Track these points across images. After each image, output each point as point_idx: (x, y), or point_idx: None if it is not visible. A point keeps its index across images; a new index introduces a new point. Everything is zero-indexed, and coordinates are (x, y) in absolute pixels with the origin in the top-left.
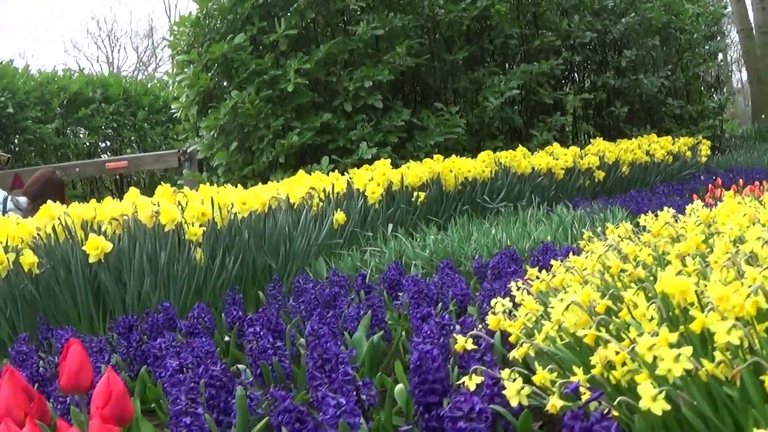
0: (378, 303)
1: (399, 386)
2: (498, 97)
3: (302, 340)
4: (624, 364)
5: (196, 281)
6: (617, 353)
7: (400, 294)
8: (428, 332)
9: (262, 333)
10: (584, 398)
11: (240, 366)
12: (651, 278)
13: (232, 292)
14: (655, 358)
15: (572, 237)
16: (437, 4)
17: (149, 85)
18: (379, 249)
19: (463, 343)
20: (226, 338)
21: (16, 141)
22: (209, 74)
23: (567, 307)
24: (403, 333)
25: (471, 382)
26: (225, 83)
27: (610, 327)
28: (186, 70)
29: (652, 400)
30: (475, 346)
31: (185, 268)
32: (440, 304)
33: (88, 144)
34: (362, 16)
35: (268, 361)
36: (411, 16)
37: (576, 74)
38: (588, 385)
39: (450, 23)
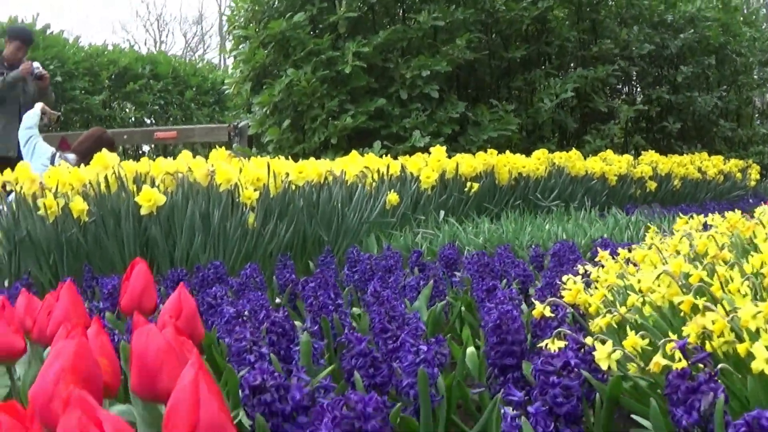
0: (439, 274)
1: (470, 349)
2: (553, 99)
3: (356, 310)
4: (721, 335)
5: (247, 245)
6: (713, 323)
7: (457, 273)
8: (502, 297)
9: (321, 291)
10: (679, 366)
11: (296, 323)
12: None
13: (284, 257)
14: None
15: (629, 238)
16: (498, 0)
17: (198, 66)
18: (431, 232)
19: (541, 309)
20: (277, 300)
21: (62, 109)
22: (265, 51)
23: (658, 277)
24: (463, 308)
25: (554, 345)
26: (281, 61)
27: (701, 301)
28: (242, 46)
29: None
30: (552, 314)
31: (237, 230)
32: (504, 281)
33: (133, 119)
34: (423, 6)
35: (328, 318)
36: (472, 10)
37: (631, 86)
38: (696, 343)
39: (510, 21)
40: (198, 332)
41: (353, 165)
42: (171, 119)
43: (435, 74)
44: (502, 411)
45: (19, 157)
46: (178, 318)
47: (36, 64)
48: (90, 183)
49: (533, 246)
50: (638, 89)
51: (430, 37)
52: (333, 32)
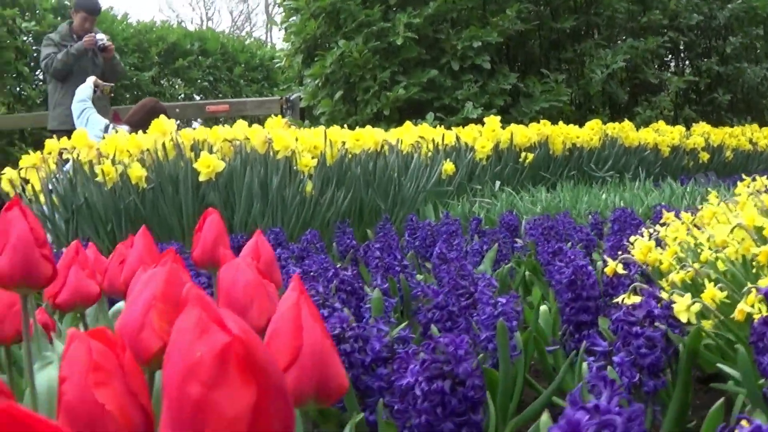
0: (503, 238)
1: (543, 307)
2: (603, 70)
3: (417, 276)
4: None
5: (305, 212)
6: None
7: (518, 239)
8: (572, 255)
9: (385, 253)
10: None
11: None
12: None
13: (343, 224)
14: None
15: (686, 207)
16: None
17: (246, 43)
18: (488, 201)
19: (614, 266)
20: (338, 266)
21: (114, 88)
22: (316, 23)
23: (732, 230)
24: (526, 273)
25: (630, 299)
26: (332, 32)
27: None
28: (293, 18)
29: None
30: (625, 271)
31: (296, 197)
32: (569, 244)
33: (183, 95)
34: None
35: (395, 278)
36: None
37: (679, 57)
38: None
39: None
40: (276, 279)
41: (408, 135)
42: (220, 95)
43: (486, 45)
44: (587, 361)
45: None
46: (257, 262)
47: (100, 36)
48: (148, 150)
49: (592, 214)
50: (687, 61)
51: (480, 8)
52: (383, 3)
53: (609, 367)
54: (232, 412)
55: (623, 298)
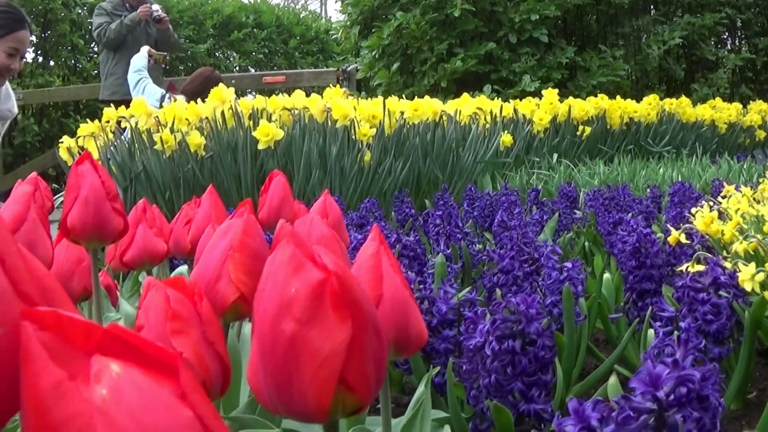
0: (563, 208)
1: (606, 276)
2: (660, 46)
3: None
4: None
5: (363, 182)
6: None
7: (577, 211)
8: (634, 224)
9: (445, 219)
10: None
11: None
12: None
13: (401, 194)
14: None
15: (743, 183)
16: None
17: (302, 15)
18: (546, 173)
19: (677, 235)
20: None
21: (168, 57)
22: None
23: None
24: (586, 243)
25: (694, 268)
26: (389, 4)
27: None
28: None
29: None
30: (688, 241)
31: (354, 166)
32: (629, 214)
33: (238, 68)
34: None
35: (457, 245)
36: None
37: (736, 35)
38: None
39: None
40: (345, 238)
41: (466, 106)
42: (275, 68)
43: (543, 19)
44: (653, 327)
45: None
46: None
47: (156, 7)
48: (206, 118)
49: (650, 187)
50: (744, 39)
51: None
52: None
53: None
54: (327, 349)
55: (687, 267)
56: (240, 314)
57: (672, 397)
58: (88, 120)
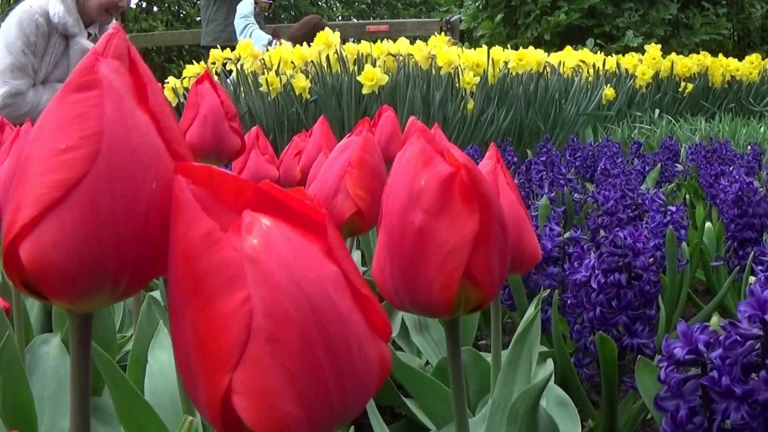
0: (665, 159)
1: (708, 224)
2: (763, 5)
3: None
4: None
5: (465, 129)
6: None
7: (678, 164)
8: (736, 175)
9: (549, 165)
10: None
11: None
12: None
13: (504, 142)
14: None
15: None
16: None
17: None
18: (647, 127)
19: None
20: None
21: (271, 6)
22: None
23: None
24: (687, 195)
25: None
26: None
27: None
28: None
29: None
30: None
31: (457, 114)
32: (731, 168)
33: (340, 16)
34: None
35: (561, 191)
36: None
37: None
38: None
39: None
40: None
41: (569, 58)
42: (378, 18)
43: None
44: (755, 271)
45: None
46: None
47: None
48: (312, 62)
49: (752, 144)
50: None
51: None
52: None
53: None
54: (454, 240)
55: None
56: (355, 229)
57: None
58: (192, 64)
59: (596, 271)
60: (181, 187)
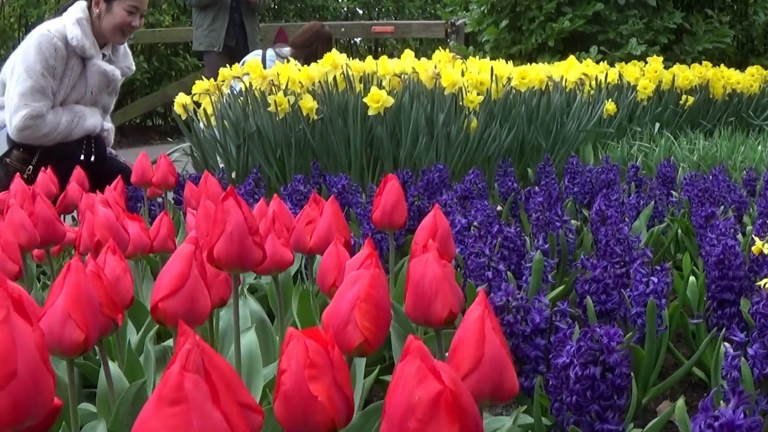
0: (659, 195)
1: (692, 279)
2: (767, 12)
3: (573, 222)
4: None
5: (468, 148)
6: None
7: (674, 192)
8: (723, 229)
9: (546, 205)
10: None
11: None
12: None
13: (505, 164)
14: None
15: None
16: None
17: None
18: (647, 145)
19: (760, 246)
20: (498, 207)
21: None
22: None
23: None
24: (679, 231)
25: None
26: None
27: None
28: None
29: None
30: None
31: (460, 134)
32: (722, 207)
33: (346, 9)
34: None
35: (555, 234)
36: None
37: None
38: None
39: None
40: (450, 251)
41: (572, 71)
42: (383, 10)
43: None
44: (724, 349)
45: (231, 49)
46: (434, 237)
47: None
48: (320, 82)
49: (747, 169)
50: None
51: None
52: None
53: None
54: None
55: (765, 283)
56: (363, 352)
57: None
58: (196, 60)
59: (575, 361)
60: None
